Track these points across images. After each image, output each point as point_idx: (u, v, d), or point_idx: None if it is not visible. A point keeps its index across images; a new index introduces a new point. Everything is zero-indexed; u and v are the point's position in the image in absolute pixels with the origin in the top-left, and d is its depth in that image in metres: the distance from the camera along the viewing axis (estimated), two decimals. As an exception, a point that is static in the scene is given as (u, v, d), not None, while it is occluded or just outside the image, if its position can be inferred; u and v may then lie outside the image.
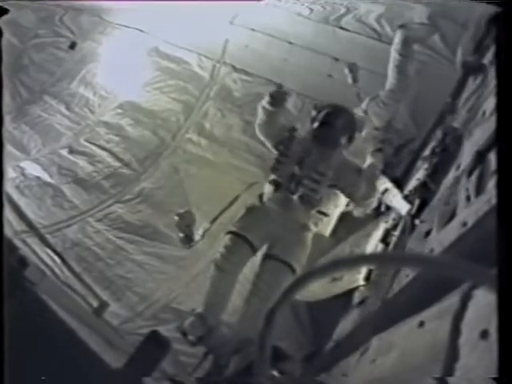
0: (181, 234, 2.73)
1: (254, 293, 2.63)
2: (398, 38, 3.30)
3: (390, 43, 3.79)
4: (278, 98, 2.83)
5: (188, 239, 2.71)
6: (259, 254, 2.76)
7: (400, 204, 2.73)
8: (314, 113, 2.96)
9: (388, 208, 3.01)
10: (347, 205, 3.24)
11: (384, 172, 3.12)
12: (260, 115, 2.93)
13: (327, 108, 2.93)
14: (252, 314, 2.59)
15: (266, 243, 2.77)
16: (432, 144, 2.72)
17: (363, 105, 3.31)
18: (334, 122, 2.86)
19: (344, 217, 3.27)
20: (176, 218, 2.73)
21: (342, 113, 2.91)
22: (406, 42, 3.25)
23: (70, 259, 3.63)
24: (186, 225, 2.71)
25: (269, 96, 2.84)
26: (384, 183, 3.02)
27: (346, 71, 3.39)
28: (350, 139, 2.94)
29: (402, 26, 3.39)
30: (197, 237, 2.75)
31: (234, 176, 3.97)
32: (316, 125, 2.90)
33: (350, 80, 3.36)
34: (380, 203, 3.10)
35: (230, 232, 2.74)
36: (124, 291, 3.53)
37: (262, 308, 2.44)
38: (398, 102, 3.27)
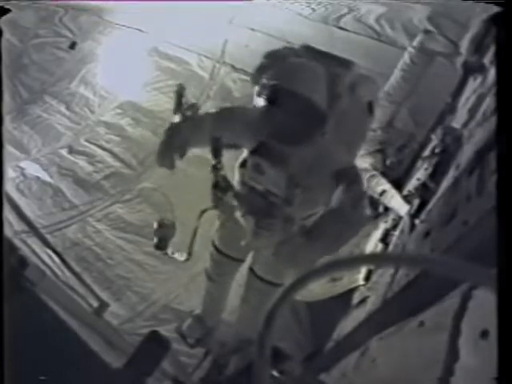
0: (155, 240, 2.43)
1: (245, 301, 2.57)
2: (416, 42, 3.26)
3: (389, 43, 3.80)
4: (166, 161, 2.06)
5: (160, 248, 2.41)
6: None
7: (399, 205, 2.73)
8: (262, 80, 1.91)
9: (386, 209, 3.01)
10: None
11: (383, 173, 3.12)
12: None
13: (278, 77, 1.85)
14: (246, 321, 2.56)
15: (249, 253, 2.53)
16: (432, 144, 2.72)
17: None
18: (290, 104, 1.84)
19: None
20: (156, 225, 2.40)
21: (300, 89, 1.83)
22: (423, 51, 3.23)
23: (70, 259, 3.62)
24: (164, 235, 2.38)
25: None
26: (382, 184, 3.02)
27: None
28: (323, 130, 1.92)
29: (426, 32, 3.34)
30: (169, 251, 2.44)
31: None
32: (262, 102, 1.87)
33: None
34: (378, 204, 3.10)
35: (213, 244, 2.56)
36: (124, 291, 3.53)
37: (254, 315, 2.32)
38: (394, 104, 3.27)
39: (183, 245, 2.40)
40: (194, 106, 2.15)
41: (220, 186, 2.12)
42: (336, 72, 2.02)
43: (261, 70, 2.00)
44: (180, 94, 2.15)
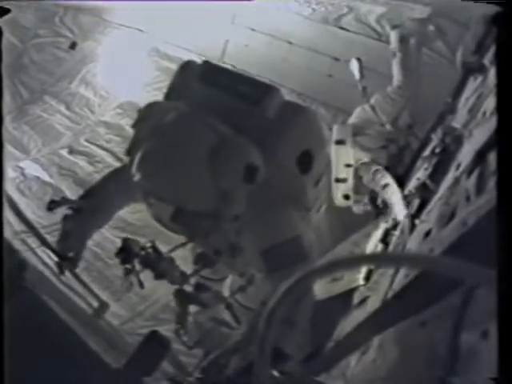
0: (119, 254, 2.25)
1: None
2: (394, 38, 3.35)
3: (389, 43, 3.81)
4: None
5: (125, 262, 2.25)
6: None
7: (398, 206, 2.74)
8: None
9: (385, 204, 3.02)
10: (346, 197, 3.20)
11: (387, 168, 3.12)
12: None
13: (146, 176, 1.57)
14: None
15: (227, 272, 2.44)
16: (432, 144, 2.72)
17: (372, 100, 3.31)
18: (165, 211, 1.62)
19: (343, 216, 3.26)
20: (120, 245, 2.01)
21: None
22: (403, 39, 3.30)
23: (70, 259, 3.62)
24: (128, 256, 1.98)
25: None
26: (385, 178, 3.02)
27: (354, 66, 3.41)
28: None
29: (396, 27, 3.47)
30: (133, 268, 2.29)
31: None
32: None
33: (356, 76, 3.38)
34: (376, 197, 3.11)
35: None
36: (124, 291, 3.53)
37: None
38: (405, 98, 3.28)
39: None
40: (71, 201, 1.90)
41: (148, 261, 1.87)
42: (231, 147, 1.51)
43: (133, 144, 1.63)
44: (56, 203, 1.95)
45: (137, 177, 1.55)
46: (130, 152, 1.64)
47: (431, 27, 3.47)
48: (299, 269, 1.56)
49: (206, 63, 1.86)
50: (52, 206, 1.94)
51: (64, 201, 1.90)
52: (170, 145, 1.55)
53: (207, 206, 1.55)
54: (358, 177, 3.17)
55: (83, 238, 1.93)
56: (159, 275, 1.84)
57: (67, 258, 1.88)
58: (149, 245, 1.80)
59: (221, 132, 1.56)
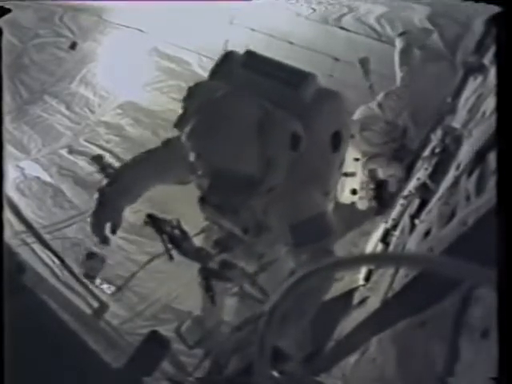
0: (82, 269, 2.28)
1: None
2: (399, 45, 3.43)
3: (389, 43, 3.82)
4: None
5: (89, 277, 2.30)
6: None
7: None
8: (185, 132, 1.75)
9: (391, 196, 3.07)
10: (353, 192, 3.21)
11: (395, 158, 3.15)
12: None
13: (199, 145, 1.71)
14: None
15: None
16: (432, 144, 2.72)
17: (378, 98, 3.32)
18: (214, 174, 1.73)
19: (343, 213, 3.26)
20: (84, 256, 2.20)
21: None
22: (409, 46, 3.37)
23: (70, 259, 3.63)
24: (92, 267, 2.19)
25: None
26: (394, 169, 3.07)
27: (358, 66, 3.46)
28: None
29: (401, 34, 3.58)
30: (97, 281, 2.30)
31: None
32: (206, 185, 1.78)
33: (363, 74, 3.42)
34: (381, 193, 3.14)
35: None
36: (124, 291, 3.53)
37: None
38: (410, 97, 3.31)
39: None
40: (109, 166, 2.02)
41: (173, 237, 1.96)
42: (276, 118, 1.66)
43: (183, 118, 1.77)
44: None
45: (187, 145, 1.67)
46: (178, 125, 1.77)
47: (435, 35, 3.54)
48: (324, 244, 1.64)
49: (249, 52, 2.00)
50: (95, 160, 2.05)
51: (106, 165, 2.01)
52: (219, 117, 1.67)
53: (253, 170, 1.67)
54: (368, 170, 3.20)
55: (118, 208, 2.00)
56: (184, 252, 1.94)
57: (104, 236, 1.93)
58: (175, 223, 1.92)
59: (266, 107, 1.70)
